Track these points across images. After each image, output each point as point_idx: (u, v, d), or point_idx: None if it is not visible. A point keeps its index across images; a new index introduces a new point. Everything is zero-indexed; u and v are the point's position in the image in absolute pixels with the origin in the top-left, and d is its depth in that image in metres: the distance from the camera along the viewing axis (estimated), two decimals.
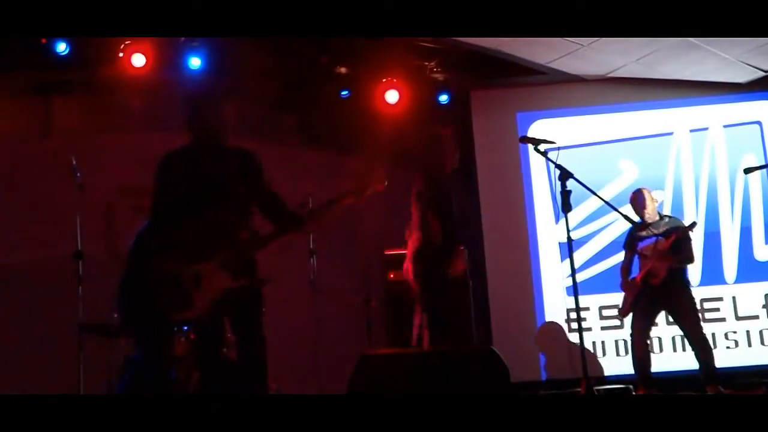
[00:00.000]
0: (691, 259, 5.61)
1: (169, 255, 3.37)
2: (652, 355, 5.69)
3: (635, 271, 5.67)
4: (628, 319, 5.69)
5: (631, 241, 5.69)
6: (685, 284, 5.55)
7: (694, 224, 5.52)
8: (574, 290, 4.09)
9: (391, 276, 6.47)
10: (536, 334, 6.62)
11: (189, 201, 3.48)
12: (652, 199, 5.68)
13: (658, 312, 5.64)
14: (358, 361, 3.74)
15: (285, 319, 4.00)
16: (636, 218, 5.52)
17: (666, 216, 5.73)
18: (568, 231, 4.07)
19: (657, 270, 5.44)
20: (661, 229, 5.53)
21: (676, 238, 5.40)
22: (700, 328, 5.50)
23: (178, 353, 5.13)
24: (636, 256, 5.66)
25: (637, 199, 5.68)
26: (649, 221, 5.61)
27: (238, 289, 3.46)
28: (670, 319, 5.77)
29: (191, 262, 3.39)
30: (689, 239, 5.57)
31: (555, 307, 6.62)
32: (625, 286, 5.65)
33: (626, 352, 6.20)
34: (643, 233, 5.60)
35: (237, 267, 3.45)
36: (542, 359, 6.61)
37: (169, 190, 3.52)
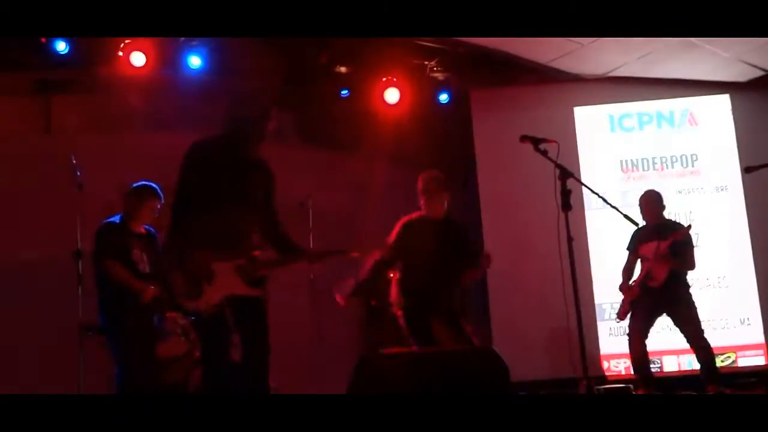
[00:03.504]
0: (691, 266, 5.57)
1: (205, 248, 3.40)
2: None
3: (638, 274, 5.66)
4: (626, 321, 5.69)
5: (634, 244, 5.68)
6: (685, 287, 5.53)
7: (689, 226, 5.50)
8: (574, 290, 4.09)
9: (391, 276, 6.46)
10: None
11: (211, 193, 3.48)
12: (657, 202, 5.67)
13: (657, 315, 5.61)
14: (358, 361, 3.74)
15: (285, 319, 4.00)
16: (638, 219, 5.50)
17: (669, 220, 5.71)
18: (568, 231, 4.07)
19: (656, 273, 5.43)
20: (662, 232, 5.52)
21: (674, 241, 5.39)
22: (701, 331, 5.47)
23: (178, 353, 5.14)
24: (639, 260, 5.65)
25: (641, 202, 5.69)
26: (652, 224, 5.61)
27: (248, 296, 3.48)
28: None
29: (213, 258, 3.41)
30: (691, 245, 5.55)
31: (555, 307, 6.62)
32: (624, 288, 5.64)
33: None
34: (646, 236, 5.59)
35: (251, 277, 3.48)
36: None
37: (196, 178, 3.50)
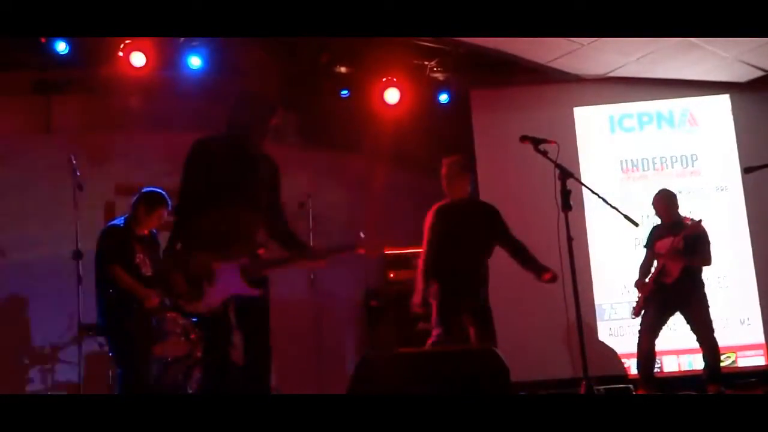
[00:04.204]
0: (707, 261, 5.57)
1: (209, 247, 3.39)
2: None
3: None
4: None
5: (651, 242, 5.70)
6: (699, 285, 5.53)
7: (699, 221, 5.50)
8: (574, 290, 4.09)
9: (391, 276, 6.47)
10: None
11: (215, 192, 3.47)
12: (670, 200, 5.68)
13: (671, 312, 5.59)
14: (358, 361, 3.73)
15: (285, 318, 4.00)
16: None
17: (684, 217, 5.70)
18: (568, 231, 4.07)
19: (670, 269, 5.44)
20: (675, 229, 5.53)
21: (686, 236, 5.40)
22: (711, 330, 5.47)
23: (178, 353, 5.14)
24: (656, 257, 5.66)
25: (654, 202, 5.72)
26: (667, 222, 5.62)
27: (250, 296, 3.47)
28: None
29: (216, 257, 3.40)
30: (707, 241, 5.55)
31: (555, 307, 6.61)
32: (639, 284, 5.65)
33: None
34: (662, 233, 5.61)
35: (254, 276, 3.46)
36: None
37: (200, 176, 3.49)
